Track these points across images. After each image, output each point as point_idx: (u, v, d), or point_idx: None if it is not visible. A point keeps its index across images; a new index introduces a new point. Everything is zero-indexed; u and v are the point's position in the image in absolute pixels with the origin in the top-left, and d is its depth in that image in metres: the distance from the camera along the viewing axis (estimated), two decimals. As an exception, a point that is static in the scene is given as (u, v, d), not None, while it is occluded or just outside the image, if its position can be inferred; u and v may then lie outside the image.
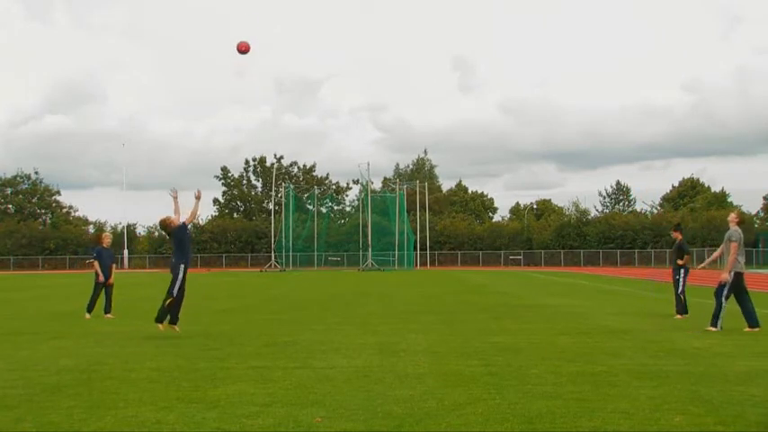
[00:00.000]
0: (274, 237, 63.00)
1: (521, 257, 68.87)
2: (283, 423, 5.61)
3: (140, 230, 79.56)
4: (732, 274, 11.58)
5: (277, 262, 60.37)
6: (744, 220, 12.58)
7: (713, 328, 11.53)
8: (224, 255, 71.48)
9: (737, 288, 11.66)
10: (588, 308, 16.80)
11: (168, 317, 11.33)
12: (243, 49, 13.07)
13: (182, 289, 11.32)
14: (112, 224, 78.03)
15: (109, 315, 14.98)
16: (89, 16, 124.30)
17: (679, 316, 13.93)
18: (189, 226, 11.62)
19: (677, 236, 14.73)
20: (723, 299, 11.60)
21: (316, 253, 64.97)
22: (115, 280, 15.50)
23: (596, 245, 69.50)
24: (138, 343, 10.65)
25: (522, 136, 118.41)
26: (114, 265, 15.72)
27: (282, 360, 8.78)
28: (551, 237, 72.12)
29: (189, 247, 11.57)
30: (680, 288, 14.14)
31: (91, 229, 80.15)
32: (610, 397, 6.45)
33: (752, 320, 11.63)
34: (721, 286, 11.64)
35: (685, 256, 14.42)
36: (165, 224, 11.61)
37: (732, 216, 12.21)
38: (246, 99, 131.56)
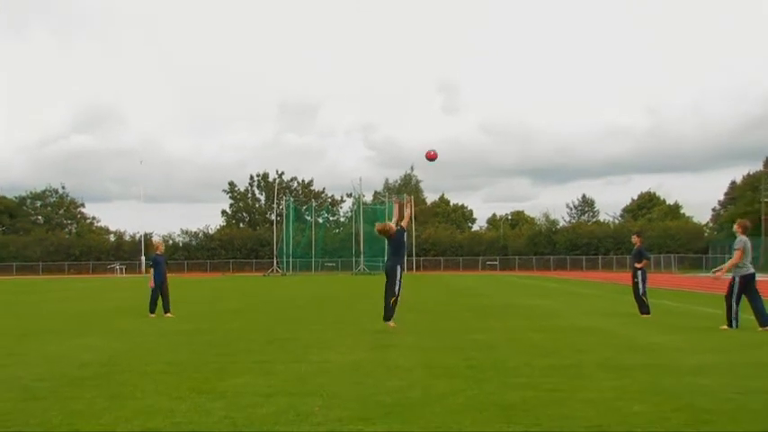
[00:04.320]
0: (276, 244, 62.71)
1: (497, 263, 68.86)
2: (285, 411, 5.57)
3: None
4: (738, 278, 11.18)
5: (278, 267, 60.08)
6: (748, 227, 11.69)
7: (729, 327, 11.23)
8: (231, 260, 71.24)
9: (749, 290, 11.24)
10: (558, 308, 16.80)
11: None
12: (431, 156, 13.18)
13: (401, 288, 11.18)
14: (131, 233, 77.63)
15: (169, 314, 14.77)
16: (113, 46, 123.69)
17: (643, 315, 13.89)
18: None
19: (637, 241, 14.58)
20: (734, 302, 11.25)
21: (313, 259, 64.83)
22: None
23: (564, 251, 69.69)
24: (154, 339, 10.58)
25: (500, 153, 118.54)
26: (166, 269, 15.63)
27: (283, 355, 8.74)
28: (524, 244, 72.30)
29: (405, 250, 11.41)
30: (641, 290, 14.08)
31: (112, 237, 79.74)
32: (578, 387, 6.44)
33: (763, 319, 11.04)
34: (731, 290, 11.29)
35: (644, 261, 14.33)
36: (385, 230, 11.54)
37: (736, 226, 11.67)
38: (252, 119, 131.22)
